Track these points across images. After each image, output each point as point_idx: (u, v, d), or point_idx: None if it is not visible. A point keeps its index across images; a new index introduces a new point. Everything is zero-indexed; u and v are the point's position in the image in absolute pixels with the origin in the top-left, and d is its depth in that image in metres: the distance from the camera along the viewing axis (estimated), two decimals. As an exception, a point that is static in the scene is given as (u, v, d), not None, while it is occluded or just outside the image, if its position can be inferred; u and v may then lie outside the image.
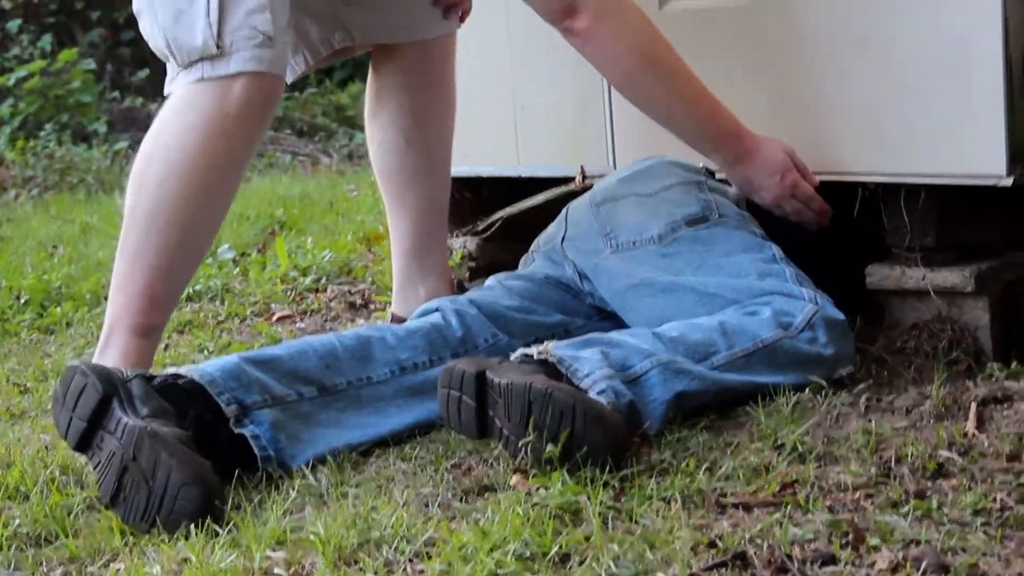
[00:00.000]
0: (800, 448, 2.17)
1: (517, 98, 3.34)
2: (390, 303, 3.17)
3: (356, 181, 6.23)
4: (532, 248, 2.96)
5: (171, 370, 2.39)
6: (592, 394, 2.21)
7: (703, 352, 2.38)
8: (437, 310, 2.68)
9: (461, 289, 3.14)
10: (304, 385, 2.44)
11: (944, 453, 2.10)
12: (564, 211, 2.91)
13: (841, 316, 2.52)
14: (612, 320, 2.74)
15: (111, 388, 2.24)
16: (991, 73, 2.46)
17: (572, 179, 3.29)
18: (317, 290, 3.87)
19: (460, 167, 3.50)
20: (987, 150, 2.50)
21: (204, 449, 2.27)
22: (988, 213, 2.66)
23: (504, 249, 3.56)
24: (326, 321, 3.55)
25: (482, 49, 3.30)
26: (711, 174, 2.86)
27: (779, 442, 2.21)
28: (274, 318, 3.62)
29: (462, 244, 3.55)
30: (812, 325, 2.46)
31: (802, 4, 2.74)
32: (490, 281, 2.84)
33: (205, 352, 3.34)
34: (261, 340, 3.38)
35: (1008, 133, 2.47)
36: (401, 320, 3.04)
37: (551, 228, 2.93)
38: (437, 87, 3.05)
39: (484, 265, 3.55)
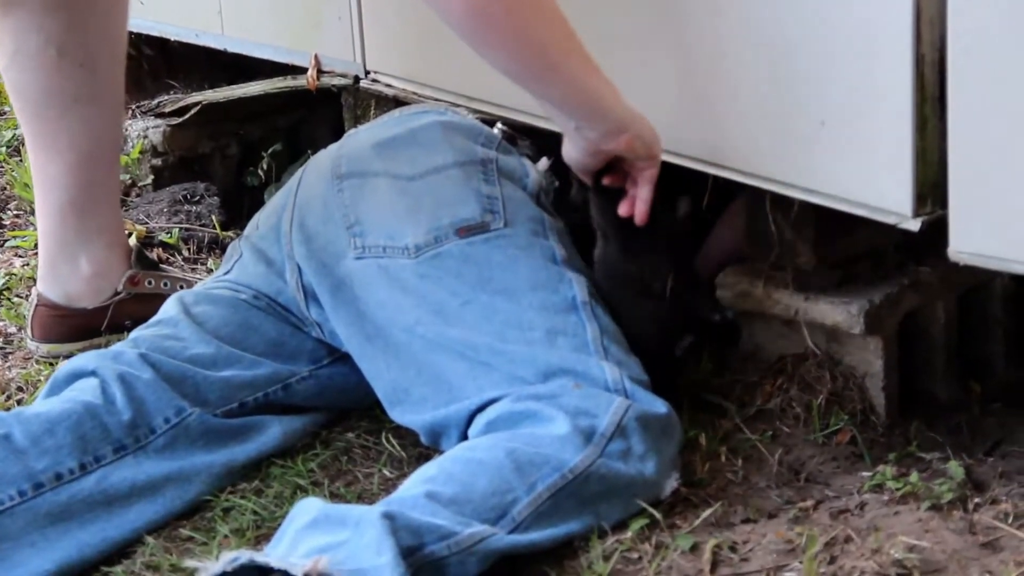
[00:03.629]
0: None
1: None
2: (34, 278, 2.54)
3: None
4: (248, 228, 2.30)
5: None
6: None
7: (498, 505, 1.84)
8: (93, 374, 2.05)
9: (142, 258, 2.52)
10: None
11: None
12: (297, 175, 2.27)
13: (661, 408, 1.99)
14: (346, 364, 2.18)
15: None
16: (896, 74, 1.87)
17: (302, 70, 2.67)
18: None
19: (133, 18, 2.83)
20: (887, 179, 1.92)
21: None
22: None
23: (202, 139, 2.95)
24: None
25: None
26: (511, 139, 2.27)
27: None
28: None
29: (142, 131, 2.88)
30: (623, 429, 1.93)
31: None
32: (170, 307, 2.19)
33: None
34: None
35: (916, 158, 1.88)
36: (53, 307, 2.45)
37: (277, 198, 2.28)
38: None
39: (174, 163, 2.93)
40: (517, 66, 1.98)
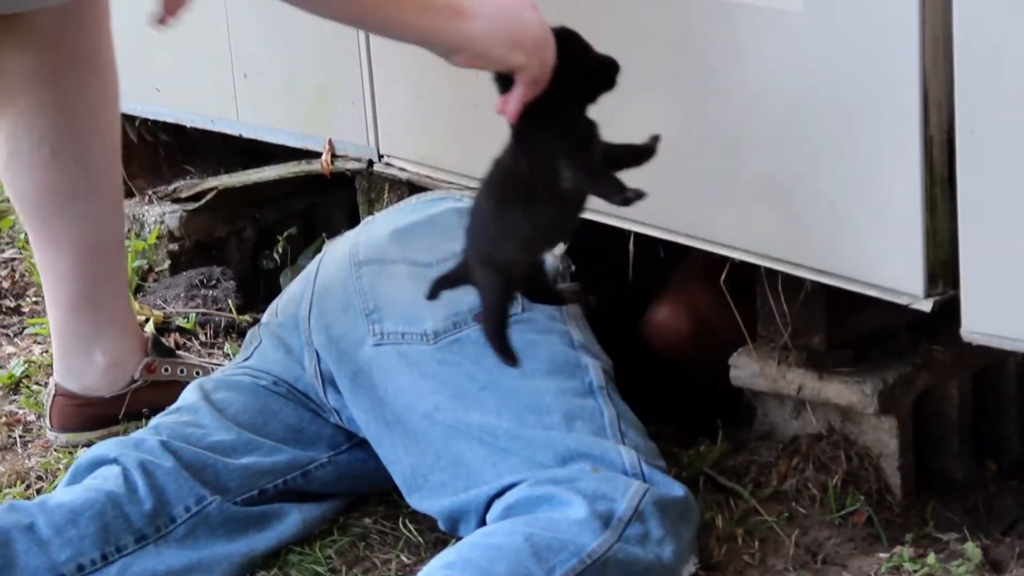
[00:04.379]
0: None
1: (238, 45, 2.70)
2: (52, 366, 2.54)
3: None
4: (266, 315, 2.32)
5: None
6: None
7: None
8: (115, 462, 2.05)
9: (158, 346, 2.53)
10: None
11: None
12: (315, 262, 2.28)
13: (679, 491, 1.98)
14: (364, 450, 2.17)
15: None
16: (905, 156, 1.88)
17: (317, 154, 2.70)
18: None
19: (150, 105, 2.87)
20: (898, 259, 1.92)
21: None
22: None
23: (218, 223, 2.96)
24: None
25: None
26: None
27: None
28: None
29: (159, 216, 2.91)
30: (641, 514, 1.93)
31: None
32: (190, 394, 2.19)
33: None
34: None
35: (926, 239, 1.89)
36: (70, 397, 2.46)
37: (295, 286, 2.29)
38: (89, 70, 2.35)
39: (191, 248, 2.93)
40: (336, 18, 1.93)
